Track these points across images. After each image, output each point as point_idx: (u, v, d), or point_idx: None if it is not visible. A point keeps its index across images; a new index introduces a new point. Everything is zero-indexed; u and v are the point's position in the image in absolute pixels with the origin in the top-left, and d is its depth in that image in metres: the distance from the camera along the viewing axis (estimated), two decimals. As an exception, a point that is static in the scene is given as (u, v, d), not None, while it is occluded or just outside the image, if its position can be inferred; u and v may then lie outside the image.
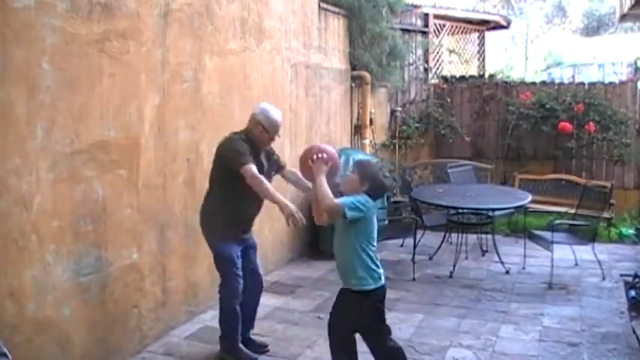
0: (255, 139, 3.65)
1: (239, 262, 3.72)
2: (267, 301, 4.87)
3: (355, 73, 7.38)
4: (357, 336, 3.18)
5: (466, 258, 6.09)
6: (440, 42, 9.24)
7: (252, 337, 3.99)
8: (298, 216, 3.38)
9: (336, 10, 6.90)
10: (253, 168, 3.46)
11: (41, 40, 3.05)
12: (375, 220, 3.10)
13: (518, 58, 20.56)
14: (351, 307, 3.10)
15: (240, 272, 3.72)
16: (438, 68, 9.27)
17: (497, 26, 10.47)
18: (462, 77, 9.21)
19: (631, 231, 6.94)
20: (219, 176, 3.70)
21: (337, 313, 3.18)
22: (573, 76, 15.87)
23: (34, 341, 3.10)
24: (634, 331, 4.18)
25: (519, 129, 8.16)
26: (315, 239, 6.29)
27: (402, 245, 6.47)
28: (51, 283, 3.19)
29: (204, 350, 3.95)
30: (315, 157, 3.08)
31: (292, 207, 3.41)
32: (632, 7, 6.08)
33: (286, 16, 5.70)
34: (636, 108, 8.05)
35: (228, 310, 3.74)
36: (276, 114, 3.70)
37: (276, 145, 5.57)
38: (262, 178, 3.48)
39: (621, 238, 6.88)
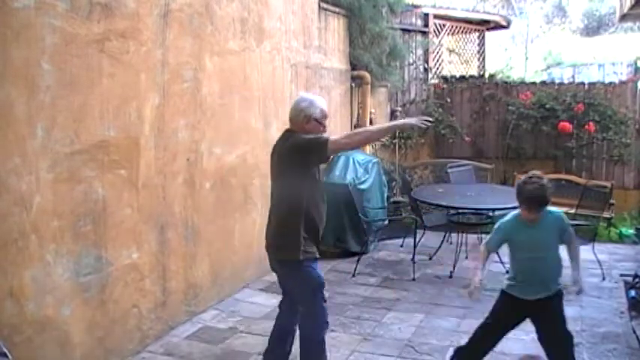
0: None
1: None
2: (267, 301, 4.88)
3: (355, 73, 7.38)
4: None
5: (466, 258, 6.09)
6: (440, 42, 9.25)
7: None
8: (420, 121, 3.13)
9: (336, 10, 6.90)
10: (335, 137, 3.13)
11: (41, 40, 3.05)
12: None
13: (518, 58, 20.53)
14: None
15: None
16: (438, 68, 9.27)
17: (497, 26, 10.48)
18: (462, 77, 9.22)
19: (631, 231, 6.94)
20: (294, 182, 3.17)
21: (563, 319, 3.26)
22: (573, 76, 15.86)
23: (34, 341, 3.09)
24: (634, 331, 4.18)
25: (519, 129, 8.17)
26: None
27: (402, 245, 6.47)
28: (51, 283, 3.19)
29: (204, 350, 3.95)
30: None
31: (409, 120, 3.22)
32: (632, 7, 6.08)
33: (286, 16, 5.70)
34: (636, 108, 8.06)
35: (318, 342, 3.30)
36: (322, 101, 3.35)
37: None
38: (352, 131, 3.23)
39: (621, 238, 6.88)
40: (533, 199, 3.11)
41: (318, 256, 3.28)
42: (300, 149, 3.14)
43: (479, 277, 3.25)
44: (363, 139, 3.33)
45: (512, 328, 3.34)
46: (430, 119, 3.22)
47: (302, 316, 3.33)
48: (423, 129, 3.17)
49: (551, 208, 3.23)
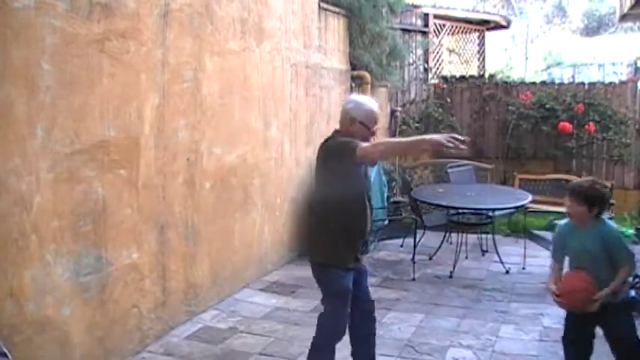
0: (356, 138, 3.12)
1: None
2: (267, 301, 4.88)
3: (355, 73, 7.38)
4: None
5: (466, 258, 6.09)
6: (440, 42, 9.24)
7: None
8: (452, 141, 2.80)
9: (336, 10, 6.90)
10: (364, 144, 3.02)
11: (41, 40, 3.05)
12: None
13: (518, 58, 20.54)
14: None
15: (349, 308, 3.25)
16: (438, 68, 9.27)
17: (497, 26, 10.48)
18: (462, 77, 9.22)
19: (631, 231, 6.93)
20: (329, 186, 3.18)
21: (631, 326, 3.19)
22: (573, 76, 15.88)
23: (34, 341, 3.09)
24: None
25: (519, 129, 8.17)
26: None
27: (402, 245, 6.47)
28: (51, 283, 3.19)
29: (204, 350, 3.95)
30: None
31: (435, 136, 2.91)
32: (632, 7, 6.08)
33: (286, 16, 5.70)
34: (636, 108, 8.06)
35: (323, 348, 3.26)
36: (371, 103, 3.26)
37: (276, 145, 5.60)
38: (377, 141, 3.08)
39: (621, 238, 6.87)
40: (571, 187, 3.18)
41: (350, 265, 3.19)
42: (332, 152, 3.11)
43: (552, 287, 3.23)
44: (386, 150, 3.17)
45: (589, 335, 3.26)
46: (462, 138, 2.85)
47: (320, 318, 3.30)
48: (450, 148, 2.79)
49: (607, 219, 3.21)
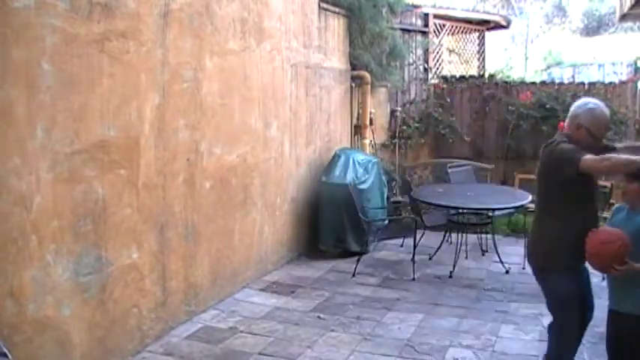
0: (580, 145, 2.98)
1: None
2: (267, 301, 4.88)
3: (355, 73, 7.38)
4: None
5: (466, 258, 6.09)
6: (440, 42, 9.24)
7: None
8: None
9: (336, 10, 6.90)
10: (589, 156, 2.84)
11: (41, 40, 3.05)
12: None
13: (518, 58, 20.58)
14: None
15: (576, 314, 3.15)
16: (438, 68, 9.26)
17: (497, 26, 10.47)
18: (462, 77, 9.21)
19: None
20: (554, 192, 3.07)
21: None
22: (573, 76, 15.90)
23: (34, 341, 3.10)
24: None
25: (519, 129, 8.16)
26: (314, 239, 6.29)
27: (402, 245, 6.47)
28: (51, 283, 3.19)
29: (204, 350, 3.96)
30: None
31: None
32: (632, 6, 6.09)
33: (286, 16, 5.70)
34: (636, 108, 8.06)
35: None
36: (603, 111, 3.03)
37: (276, 145, 5.60)
38: (603, 156, 2.84)
39: (621, 238, 6.86)
40: None
41: (576, 270, 3.12)
42: (552, 160, 3.00)
43: None
44: (611, 167, 2.88)
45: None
46: None
47: (550, 329, 3.22)
48: None
49: None
